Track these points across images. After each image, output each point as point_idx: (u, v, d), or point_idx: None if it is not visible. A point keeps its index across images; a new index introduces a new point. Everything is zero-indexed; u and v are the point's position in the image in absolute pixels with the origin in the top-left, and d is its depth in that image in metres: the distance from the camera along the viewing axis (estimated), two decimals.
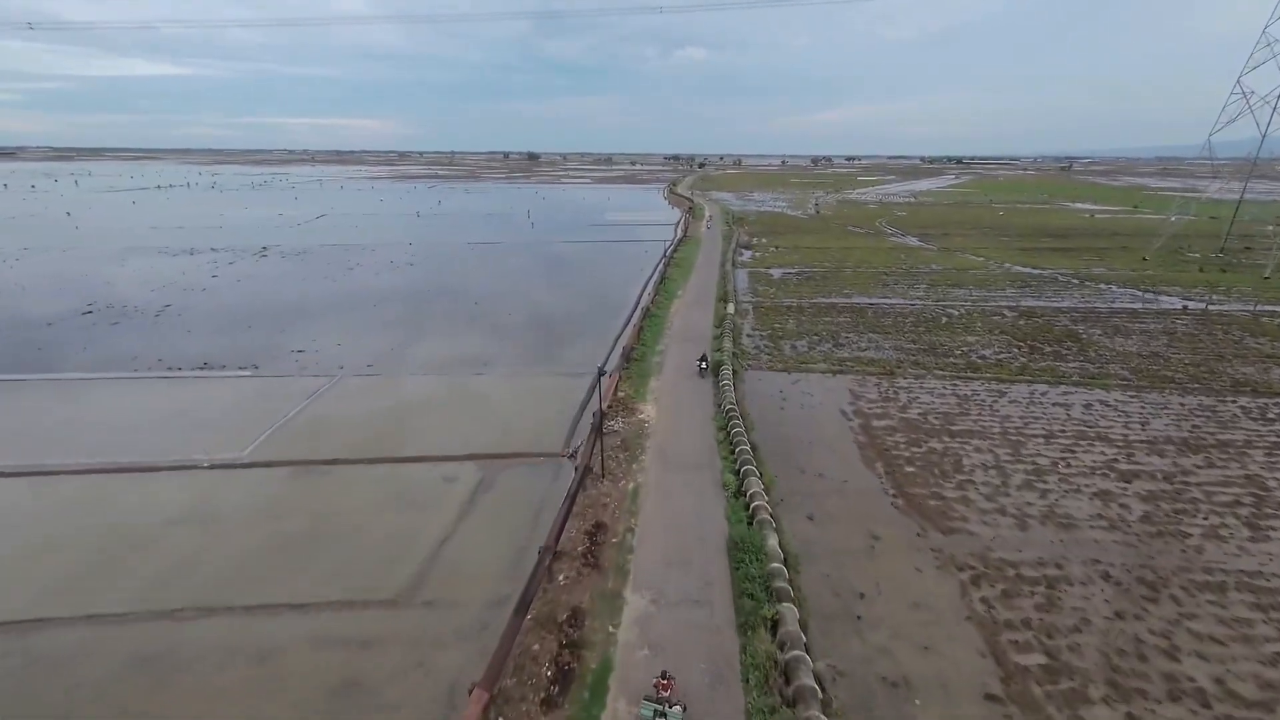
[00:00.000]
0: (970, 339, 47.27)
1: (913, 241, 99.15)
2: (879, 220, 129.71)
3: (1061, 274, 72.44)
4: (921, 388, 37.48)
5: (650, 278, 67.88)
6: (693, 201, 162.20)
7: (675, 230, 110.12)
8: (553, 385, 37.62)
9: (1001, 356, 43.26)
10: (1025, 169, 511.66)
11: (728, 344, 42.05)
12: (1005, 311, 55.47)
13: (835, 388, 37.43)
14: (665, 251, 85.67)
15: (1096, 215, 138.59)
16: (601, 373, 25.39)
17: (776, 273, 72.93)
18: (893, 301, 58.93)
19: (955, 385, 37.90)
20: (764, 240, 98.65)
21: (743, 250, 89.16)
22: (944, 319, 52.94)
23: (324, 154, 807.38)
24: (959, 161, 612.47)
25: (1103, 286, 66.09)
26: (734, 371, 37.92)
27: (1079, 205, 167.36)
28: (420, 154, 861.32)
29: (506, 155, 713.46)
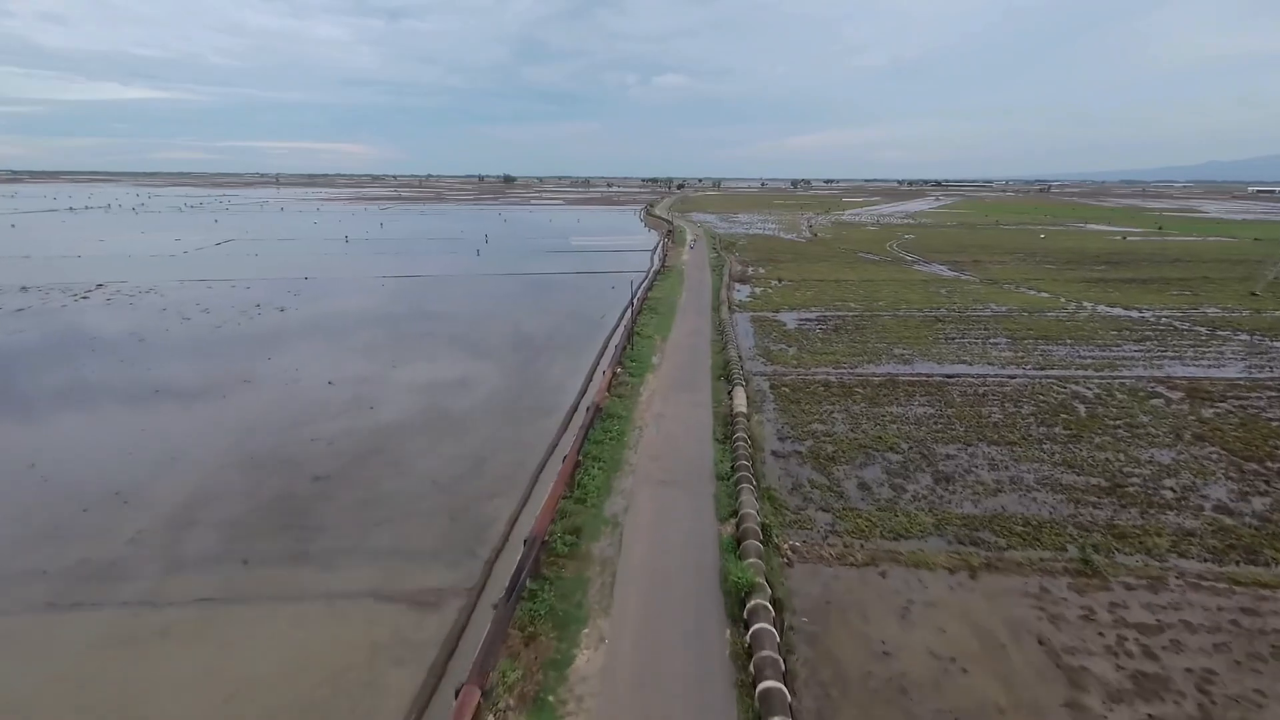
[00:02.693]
0: (1161, 456, 27.12)
1: (943, 270, 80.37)
2: (888, 244, 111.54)
3: (1171, 318, 53.54)
4: (1184, 623, 16.93)
5: (612, 334, 47.08)
6: (672, 224, 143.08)
7: (652, 258, 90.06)
8: (358, 636, 16.25)
9: (1262, 504, 23.08)
10: (1004, 191, 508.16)
11: (748, 503, 20.98)
12: (1159, 389, 35.71)
13: (996, 624, 16.72)
14: (637, 289, 65.32)
15: (1129, 238, 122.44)
16: None
17: (790, 319, 52.80)
18: (978, 372, 38.87)
19: (1250, 615, 17.44)
20: (762, 271, 78.93)
21: (738, 285, 69.19)
22: (1079, 406, 32.91)
23: (296, 177, 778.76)
24: (938, 184, 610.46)
25: (1249, 338, 47.12)
26: (776, 600, 16.85)
27: (1094, 227, 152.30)
28: (394, 177, 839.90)
29: (481, 178, 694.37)
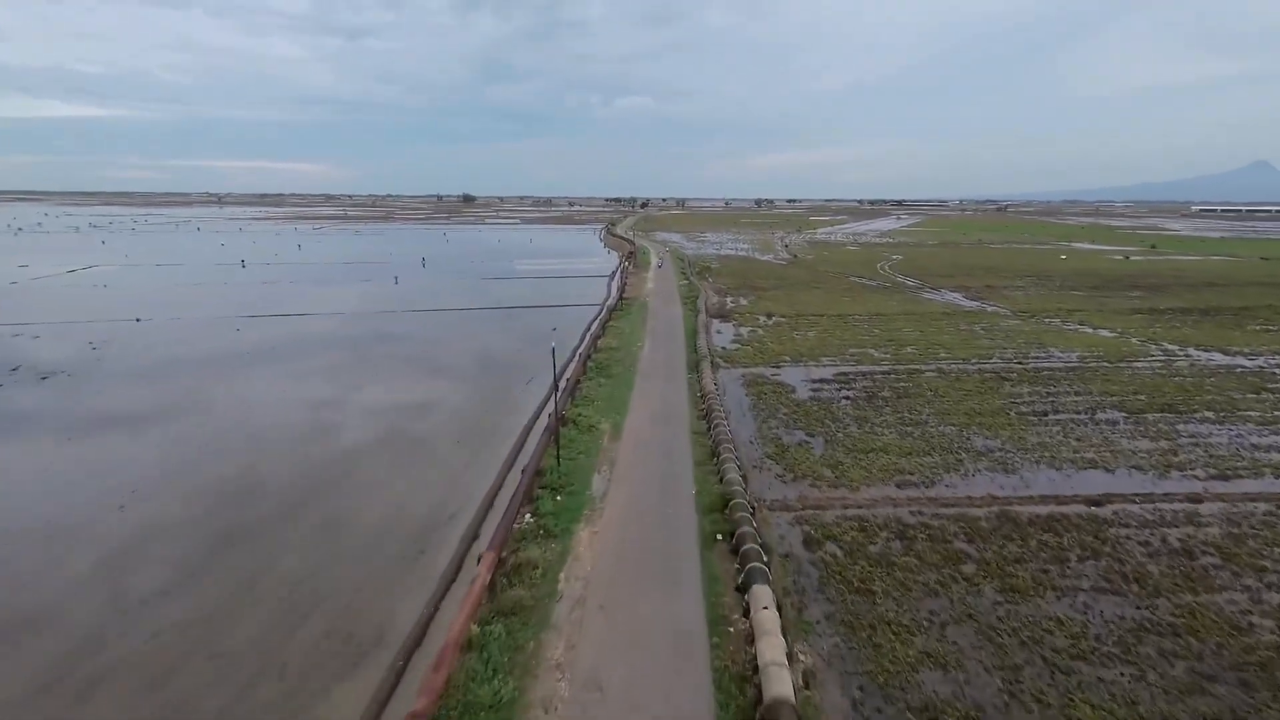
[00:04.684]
0: None
1: (960, 300, 66.67)
2: (878, 265, 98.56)
3: None
4: None
5: (533, 423, 30.16)
6: (635, 244, 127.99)
7: (609, 286, 74.08)
8: None
9: None
10: (964, 210, 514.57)
11: None
12: None
13: None
14: (585, 334, 49.12)
15: (1131, 258, 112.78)
16: None
17: (798, 379, 37.10)
18: (1130, 488, 23.50)
19: None
20: (745, 302, 63.68)
21: (718, 322, 53.64)
22: None
23: (246, 196, 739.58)
24: (899, 204, 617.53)
25: None
26: None
27: (1080, 246, 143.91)
28: (350, 196, 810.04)
29: (440, 198, 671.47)
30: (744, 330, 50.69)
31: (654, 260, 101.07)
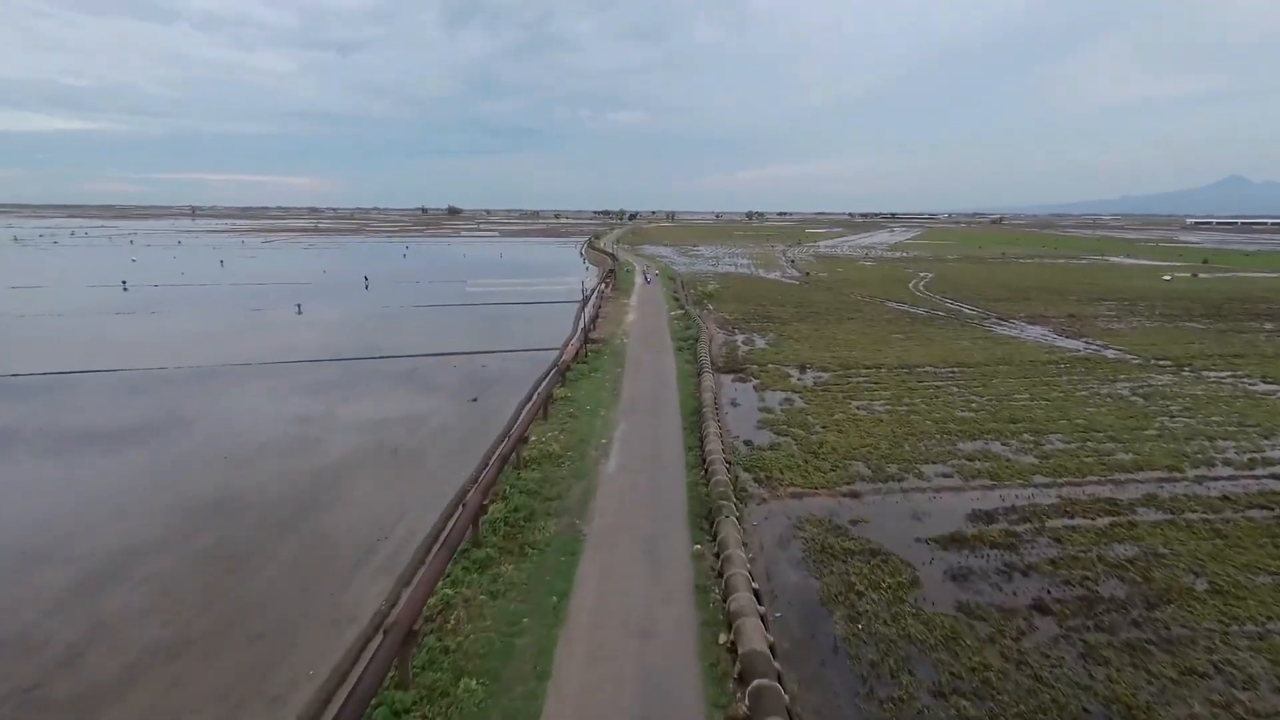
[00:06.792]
0: None
1: (1054, 337, 48.96)
2: (911, 286, 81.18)
3: None
4: None
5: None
6: (618, 261, 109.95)
7: (578, 317, 55.52)
8: None
9: None
10: (957, 223, 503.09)
11: None
12: None
13: None
14: (511, 425, 30.55)
15: (1199, 275, 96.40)
16: None
17: (906, 544, 18.65)
18: None
19: None
20: (763, 344, 45.47)
21: (731, 380, 35.30)
22: None
23: (228, 209, 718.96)
24: (893, 216, 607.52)
25: None
26: None
27: (1117, 260, 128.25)
28: (334, 210, 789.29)
29: (424, 210, 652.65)
30: (773, 399, 32.36)
31: (639, 280, 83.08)
